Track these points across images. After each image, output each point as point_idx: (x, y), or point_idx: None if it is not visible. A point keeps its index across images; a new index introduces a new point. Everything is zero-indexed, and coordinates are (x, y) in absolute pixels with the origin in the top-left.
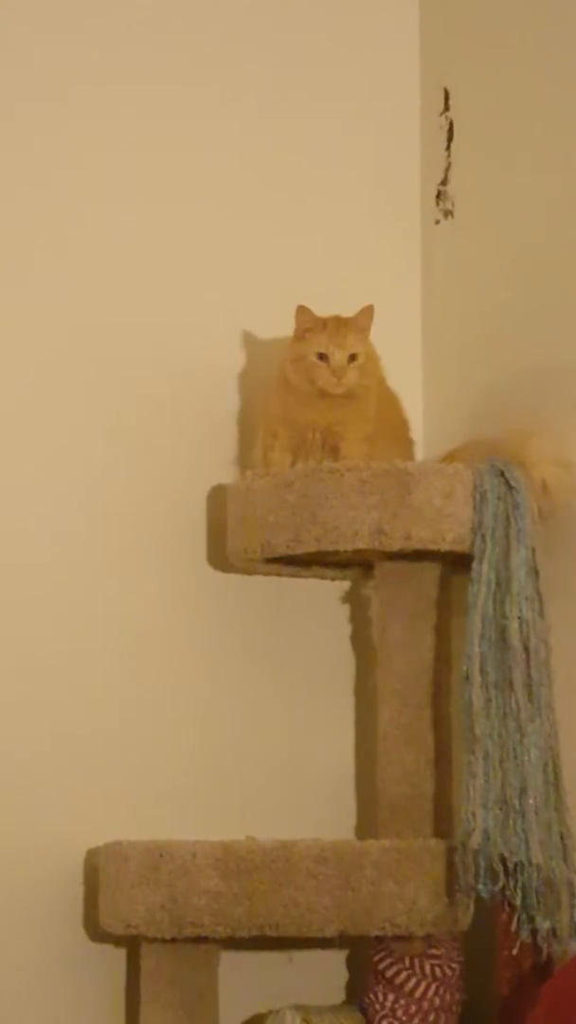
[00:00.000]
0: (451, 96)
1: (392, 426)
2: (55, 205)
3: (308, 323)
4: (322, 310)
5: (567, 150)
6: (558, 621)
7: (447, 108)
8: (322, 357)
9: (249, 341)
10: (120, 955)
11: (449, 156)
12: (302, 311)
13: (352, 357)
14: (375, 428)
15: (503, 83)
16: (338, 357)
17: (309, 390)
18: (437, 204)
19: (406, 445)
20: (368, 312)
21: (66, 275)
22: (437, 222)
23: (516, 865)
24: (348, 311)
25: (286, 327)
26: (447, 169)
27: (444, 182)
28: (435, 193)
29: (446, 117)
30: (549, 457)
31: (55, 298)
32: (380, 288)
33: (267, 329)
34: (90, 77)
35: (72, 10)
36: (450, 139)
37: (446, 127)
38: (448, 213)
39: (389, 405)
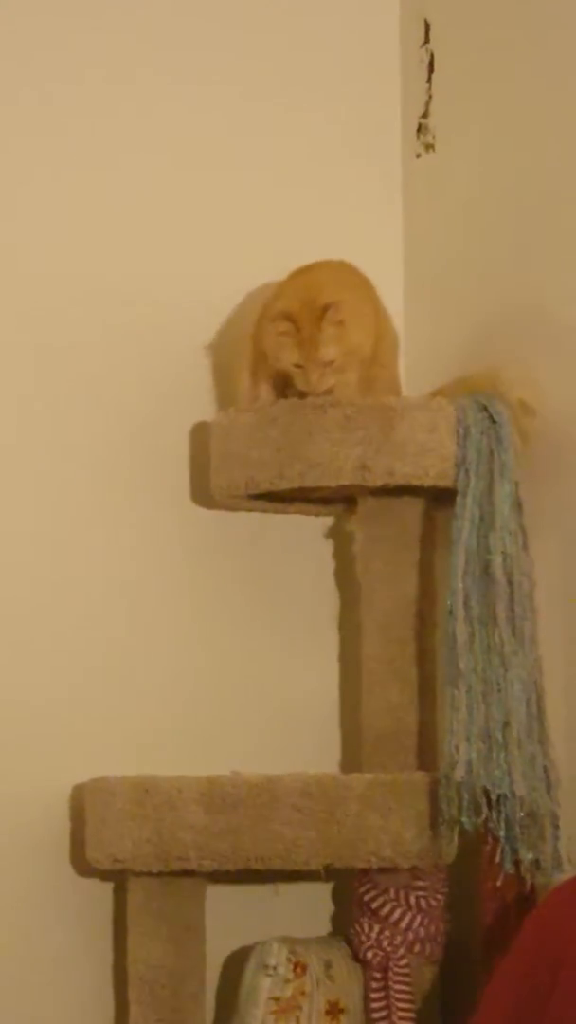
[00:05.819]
0: (431, 28)
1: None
2: (37, 154)
3: (281, 326)
4: (301, 246)
5: (549, 80)
6: (541, 555)
7: (427, 40)
8: (298, 366)
9: (229, 278)
10: (107, 889)
11: (430, 89)
12: (271, 310)
13: (329, 363)
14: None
15: (484, 14)
16: (313, 371)
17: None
18: (418, 137)
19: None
20: (338, 307)
21: (44, 217)
22: (418, 156)
23: (499, 797)
24: (328, 248)
25: (265, 265)
26: (428, 102)
27: (425, 115)
28: (416, 126)
29: (426, 49)
30: (522, 378)
31: (34, 238)
32: (360, 223)
33: (247, 267)
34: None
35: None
36: (431, 72)
37: (427, 59)
38: (429, 147)
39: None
